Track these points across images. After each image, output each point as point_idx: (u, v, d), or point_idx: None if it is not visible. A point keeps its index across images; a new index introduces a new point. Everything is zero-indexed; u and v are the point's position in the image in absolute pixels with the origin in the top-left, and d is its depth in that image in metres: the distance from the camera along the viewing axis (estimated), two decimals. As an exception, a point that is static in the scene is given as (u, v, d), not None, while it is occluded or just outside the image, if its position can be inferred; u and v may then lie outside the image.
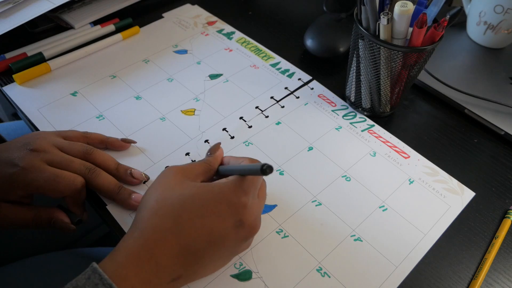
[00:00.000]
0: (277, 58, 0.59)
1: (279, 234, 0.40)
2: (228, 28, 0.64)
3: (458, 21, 0.68)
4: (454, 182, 0.46)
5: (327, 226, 0.41)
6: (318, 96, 0.54)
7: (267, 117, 0.51)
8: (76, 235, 0.61)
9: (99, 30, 0.60)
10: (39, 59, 0.54)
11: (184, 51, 0.59)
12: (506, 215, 0.43)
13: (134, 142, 0.47)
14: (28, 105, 0.50)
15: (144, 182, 0.43)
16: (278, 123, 0.50)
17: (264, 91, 0.54)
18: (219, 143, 0.42)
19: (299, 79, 0.56)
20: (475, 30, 0.64)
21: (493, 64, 0.62)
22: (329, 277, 0.38)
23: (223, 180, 0.35)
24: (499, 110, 0.53)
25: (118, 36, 0.59)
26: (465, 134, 0.52)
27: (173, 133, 0.48)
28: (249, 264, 0.38)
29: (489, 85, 0.57)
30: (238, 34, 0.63)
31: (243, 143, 0.48)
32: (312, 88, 0.55)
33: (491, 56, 0.63)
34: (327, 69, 0.58)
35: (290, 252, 0.39)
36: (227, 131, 0.49)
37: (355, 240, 0.40)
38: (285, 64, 0.58)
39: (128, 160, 0.45)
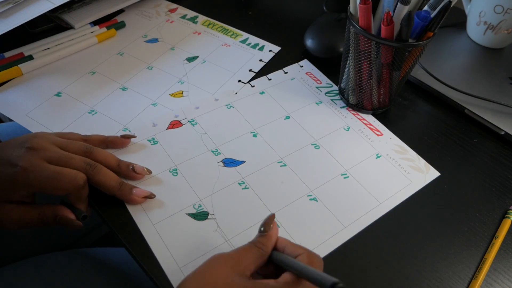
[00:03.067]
0: (245, 34, 0.63)
1: (240, 186, 0.44)
2: (191, 13, 0.66)
3: (458, 21, 0.68)
4: (421, 162, 0.48)
5: (286, 184, 0.44)
6: (306, 73, 0.57)
7: (253, 86, 0.55)
8: (76, 235, 0.61)
9: (98, 31, 0.60)
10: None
11: (155, 40, 0.61)
12: (506, 215, 0.43)
13: (134, 137, 0.47)
14: (13, 112, 0.49)
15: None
16: (262, 93, 0.54)
17: (241, 65, 0.58)
18: (273, 215, 0.36)
19: (270, 50, 0.60)
20: (475, 30, 0.64)
21: (493, 64, 0.62)
22: (278, 227, 0.40)
23: (274, 283, 0.31)
24: (499, 110, 0.53)
25: (94, 39, 0.58)
26: (465, 134, 0.52)
27: (168, 114, 0.50)
28: (207, 207, 0.42)
29: (489, 85, 0.57)
30: (202, 18, 0.65)
31: (226, 105, 0.52)
32: (302, 66, 0.58)
33: (491, 56, 0.63)
34: (327, 69, 0.58)
35: (246, 201, 0.42)
36: (216, 100, 0.52)
37: (310, 199, 0.43)
38: (253, 39, 0.62)
39: (127, 149, 0.46)
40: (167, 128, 0.48)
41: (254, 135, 0.48)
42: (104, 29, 0.60)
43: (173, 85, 0.54)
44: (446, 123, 0.53)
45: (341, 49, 0.58)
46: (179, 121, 0.49)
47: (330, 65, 0.59)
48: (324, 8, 0.67)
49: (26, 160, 0.37)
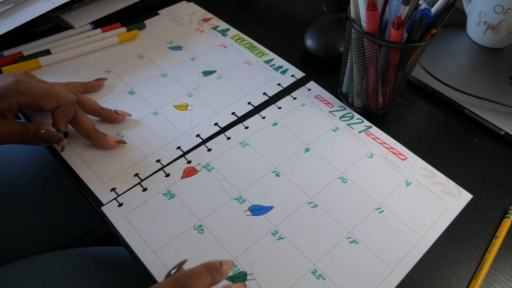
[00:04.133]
0: (271, 55, 0.60)
1: (274, 236, 0.40)
2: (223, 25, 0.64)
3: (458, 21, 0.68)
4: (451, 184, 0.46)
5: (322, 228, 0.41)
6: (315, 97, 0.54)
7: (263, 118, 0.51)
8: (76, 235, 0.60)
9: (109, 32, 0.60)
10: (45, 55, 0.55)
11: (179, 48, 0.60)
12: (506, 215, 0.43)
13: (129, 115, 0.49)
14: None
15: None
16: (274, 124, 0.50)
17: (257, 87, 0.55)
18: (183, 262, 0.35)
19: (292, 75, 0.57)
20: (475, 30, 0.64)
21: (493, 64, 0.62)
22: (324, 279, 0.38)
23: None
24: (499, 110, 0.53)
25: (115, 39, 0.59)
26: (465, 134, 0.52)
27: (165, 127, 0.49)
28: (244, 265, 0.38)
29: (489, 85, 0.57)
30: (233, 31, 0.63)
31: (239, 143, 0.48)
32: (310, 89, 0.55)
33: (491, 56, 0.63)
34: (327, 69, 0.58)
35: (284, 254, 0.39)
36: (219, 126, 0.50)
37: (350, 242, 0.40)
38: (278, 61, 0.59)
39: (118, 153, 0.46)
40: (182, 177, 0.44)
41: (277, 175, 0.45)
42: (124, 30, 0.60)
43: (180, 97, 0.52)
44: (446, 123, 0.53)
45: (341, 49, 0.58)
46: (193, 167, 0.45)
47: (330, 65, 0.59)
48: (324, 8, 0.67)
49: (18, 77, 0.40)
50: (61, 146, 0.43)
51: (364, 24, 0.44)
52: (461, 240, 0.42)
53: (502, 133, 0.51)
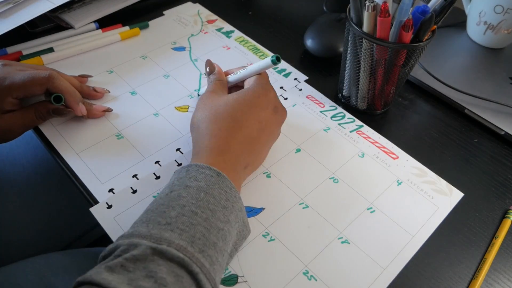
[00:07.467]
0: None
1: (265, 238, 0.40)
2: (228, 27, 0.64)
3: (458, 21, 0.68)
4: (442, 183, 0.46)
5: (314, 229, 0.41)
6: (307, 97, 0.54)
7: None
8: (76, 234, 0.61)
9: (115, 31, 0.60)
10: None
11: (182, 48, 0.60)
12: (506, 215, 0.43)
13: (108, 92, 0.51)
14: None
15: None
16: None
17: None
18: (209, 60, 0.47)
19: (295, 79, 0.57)
20: (475, 30, 0.64)
21: (493, 64, 0.62)
22: (316, 280, 0.37)
23: (247, 85, 0.43)
24: (499, 110, 0.53)
25: (116, 36, 0.59)
26: (465, 134, 0.52)
27: (165, 128, 0.49)
28: (235, 268, 0.37)
29: (489, 85, 0.57)
30: (237, 33, 0.63)
31: None
32: (301, 89, 0.55)
33: (491, 56, 0.63)
34: (327, 69, 0.58)
35: (276, 255, 0.39)
36: None
37: (342, 242, 0.40)
38: (282, 64, 0.59)
39: (118, 154, 0.45)
40: None
41: (268, 176, 0.44)
42: (127, 28, 0.60)
43: (182, 98, 0.52)
44: (446, 123, 0.53)
45: (341, 49, 0.58)
46: None
47: (330, 65, 0.59)
48: (324, 8, 0.67)
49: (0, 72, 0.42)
50: (82, 114, 0.46)
51: (365, 26, 0.44)
52: (461, 240, 0.42)
53: (502, 133, 0.51)
